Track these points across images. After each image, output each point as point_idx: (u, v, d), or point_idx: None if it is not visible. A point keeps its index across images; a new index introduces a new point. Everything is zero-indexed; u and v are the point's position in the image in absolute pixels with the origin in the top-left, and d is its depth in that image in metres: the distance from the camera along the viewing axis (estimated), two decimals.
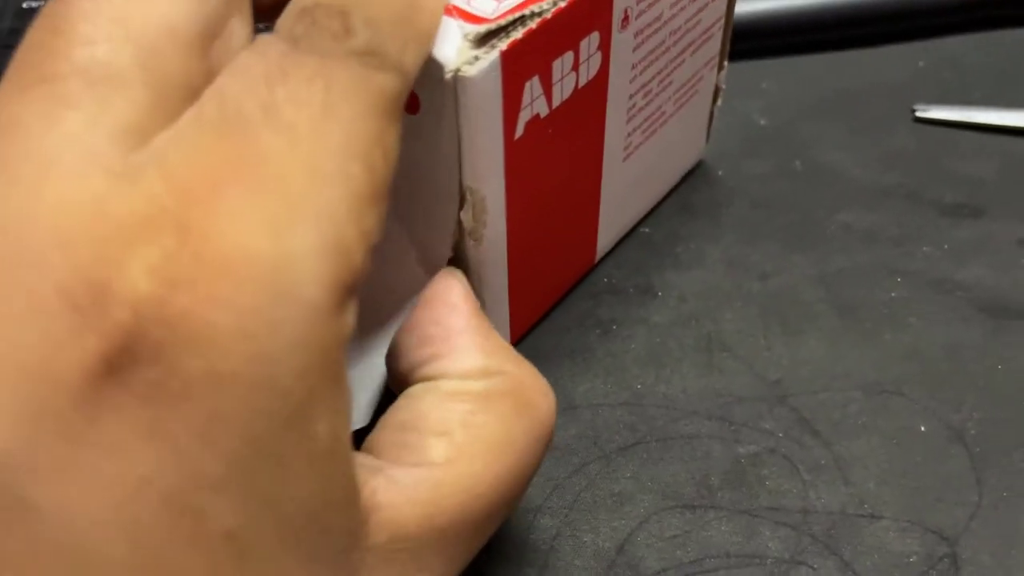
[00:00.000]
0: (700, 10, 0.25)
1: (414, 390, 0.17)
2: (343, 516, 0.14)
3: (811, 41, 0.35)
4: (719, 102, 0.29)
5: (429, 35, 0.17)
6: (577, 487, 0.22)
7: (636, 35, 0.22)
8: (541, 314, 0.26)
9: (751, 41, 0.34)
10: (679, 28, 0.24)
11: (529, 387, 0.18)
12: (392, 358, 0.18)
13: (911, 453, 0.23)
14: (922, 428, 0.23)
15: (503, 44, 0.18)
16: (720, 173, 0.30)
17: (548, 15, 0.19)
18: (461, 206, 0.20)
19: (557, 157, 0.22)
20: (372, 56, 0.15)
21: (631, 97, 0.24)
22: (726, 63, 0.28)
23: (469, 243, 0.21)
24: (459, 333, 0.18)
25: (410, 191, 0.20)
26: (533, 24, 0.19)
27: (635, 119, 0.24)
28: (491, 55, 0.18)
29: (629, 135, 0.25)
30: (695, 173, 0.30)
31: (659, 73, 0.24)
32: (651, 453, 0.23)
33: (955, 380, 0.24)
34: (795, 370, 0.24)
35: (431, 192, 0.21)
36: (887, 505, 0.22)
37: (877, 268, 0.27)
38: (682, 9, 0.24)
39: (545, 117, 0.20)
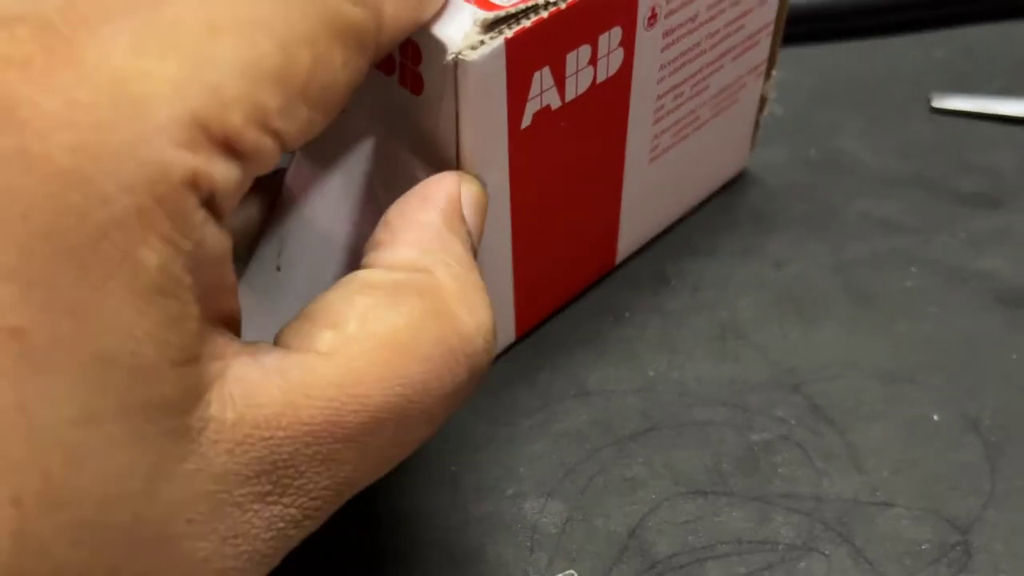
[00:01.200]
0: (743, 15, 0.24)
1: (338, 282, 0.16)
2: (172, 369, 0.13)
3: (828, 30, 0.34)
4: (766, 111, 0.28)
5: (424, 6, 0.17)
6: (589, 472, 0.22)
7: (666, 35, 0.22)
8: (553, 309, 0.25)
9: None
10: (717, 32, 0.23)
11: (452, 295, 0.16)
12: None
13: (925, 442, 0.23)
14: (936, 417, 0.23)
15: (510, 31, 0.18)
16: None
17: (562, 6, 0.19)
18: None
19: (571, 152, 0.22)
20: None
21: (659, 98, 0.23)
22: (774, 72, 0.27)
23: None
24: (410, 225, 0.17)
25: (414, 171, 0.20)
26: (544, 14, 0.18)
27: (664, 121, 0.24)
28: (496, 41, 0.18)
29: (657, 137, 0.24)
30: None
31: (693, 76, 0.24)
32: (664, 439, 0.23)
33: (970, 369, 0.24)
34: (809, 358, 0.24)
35: (431, 173, 0.21)
36: (900, 493, 0.22)
37: (893, 257, 0.27)
38: (721, 12, 0.23)
39: (557, 109, 0.20)
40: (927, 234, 0.27)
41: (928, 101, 0.32)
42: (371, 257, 0.17)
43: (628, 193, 0.24)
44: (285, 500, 0.15)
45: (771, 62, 0.27)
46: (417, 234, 0.17)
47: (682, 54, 0.23)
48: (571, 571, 0.20)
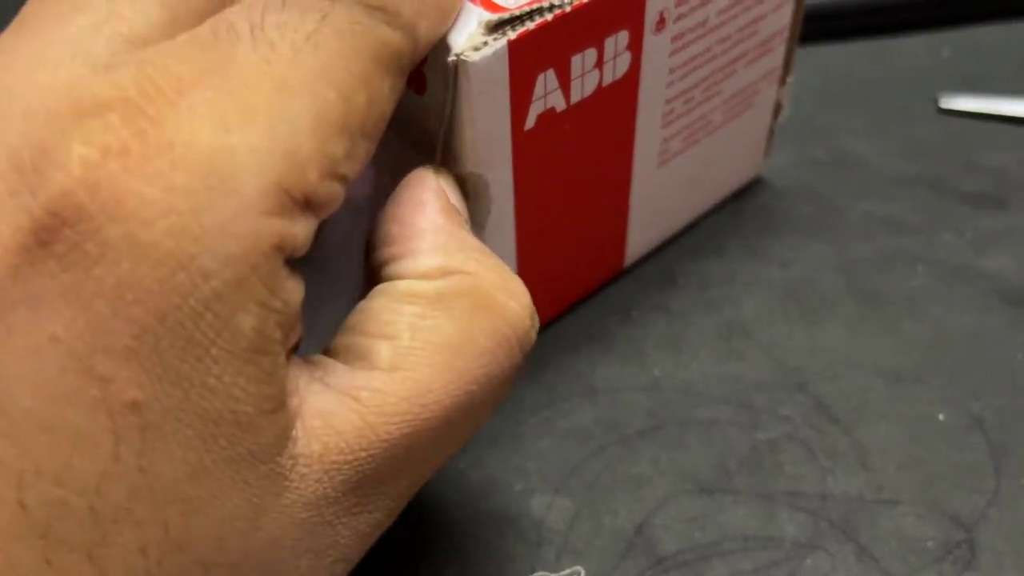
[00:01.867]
0: (756, 20, 0.24)
1: (373, 291, 0.17)
2: (266, 418, 0.14)
3: (835, 29, 0.34)
4: (781, 118, 0.28)
5: (449, 13, 0.17)
6: (596, 469, 0.22)
7: (675, 39, 0.22)
8: (559, 310, 0.25)
9: None
10: (729, 37, 0.23)
11: (492, 286, 0.17)
12: (365, 258, 0.18)
13: (930, 440, 0.23)
14: (941, 416, 0.23)
15: (513, 33, 0.18)
16: None
17: (567, 9, 0.19)
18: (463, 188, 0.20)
19: (577, 154, 0.22)
20: (383, 12, 0.15)
21: (668, 102, 0.23)
22: (790, 79, 0.27)
23: (472, 227, 0.21)
24: (421, 232, 0.17)
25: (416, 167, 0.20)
26: (548, 16, 0.19)
27: (674, 125, 0.24)
28: (498, 43, 0.18)
29: (666, 141, 0.24)
30: None
31: (704, 81, 0.24)
32: (670, 437, 0.23)
33: (975, 369, 0.24)
34: (815, 357, 0.24)
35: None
36: (905, 491, 0.22)
37: (898, 257, 0.27)
38: (733, 17, 0.23)
39: (562, 112, 0.20)
40: (932, 234, 0.27)
41: (935, 101, 0.32)
42: (391, 270, 0.17)
43: (637, 196, 0.24)
44: (369, 508, 0.16)
45: (786, 68, 0.26)
46: (432, 240, 0.17)
47: (692, 59, 0.23)
48: (578, 567, 0.21)
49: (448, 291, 0.16)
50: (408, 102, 0.19)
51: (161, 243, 0.13)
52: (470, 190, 0.20)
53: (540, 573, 0.21)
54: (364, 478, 0.15)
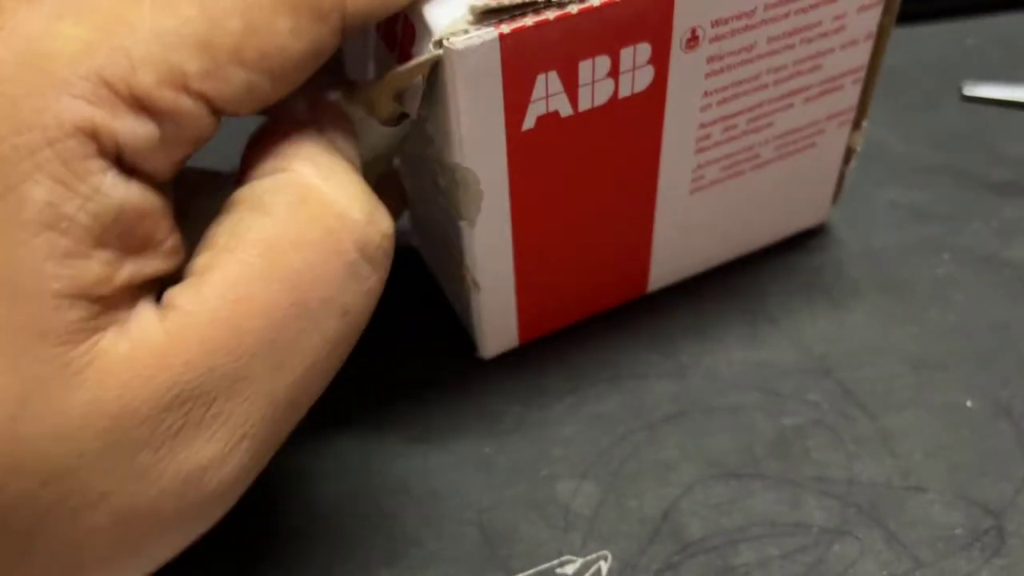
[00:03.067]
0: (820, 54, 0.22)
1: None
2: (50, 300, 0.14)
3: None
4: (852, 163, 0.26)
5: None
6: (622, 455, 0.22)
7: (711, 60, 0.20)
8: (567, 323, 0.25)
9: None
10: (784, 67, 0.22)
11: (315, 179, 0.16)
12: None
13: (957, 427, 0.23)
14: (968, 403, 0.23)
15: (507, 27, 0.18)
16: None
17: (572, 11, 0.18)
18: (440, 176, 0.20)
19: (588, 164, 0.21)
20: None
21: (703, 127, 0.22)
22: (864, 123, 0.25)
23: (462, 221, 0.21)
24: (273, 143, 0.17)
25: (422, 149, 0.20)
26: (550, 15, 0.18)
27: (710, 152, 0.22)
28: (488, 34, 0.17)
29: (700, 167, 0.23)
30: None
31: (750, 110, 0.22)
32: (696, 423, 0.23)
33: (1002, 356, 0.24)
34: (841, 344, 0.24)
35: (419, 159, 0.21)
36: (933, 478, 0.22)
37: (924, 245, 0.27)
38: (789, 47, 0.21)
39: (569, 118, 0.20)
40: (959, 222, 0.27)
41: (960, 89, 0.32)
42: (243, 177, 0.17)
43: (663, 220, 0.23)
44: (206, 435, 0.15)
45: (861, 111, 0.24)
46: (273, 147, 0.17)
47: (735, 84, 0.21)
48: (605, 551, 0.21)
49: (270, 188, 0.16)
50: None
51: None
52: (458, 181, 0.20)
53: (567, 557, 0.21)
54: (185, 394, 0.14)
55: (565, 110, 0.19)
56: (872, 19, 0.22)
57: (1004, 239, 0.27)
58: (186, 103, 0.15)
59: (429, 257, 0.26)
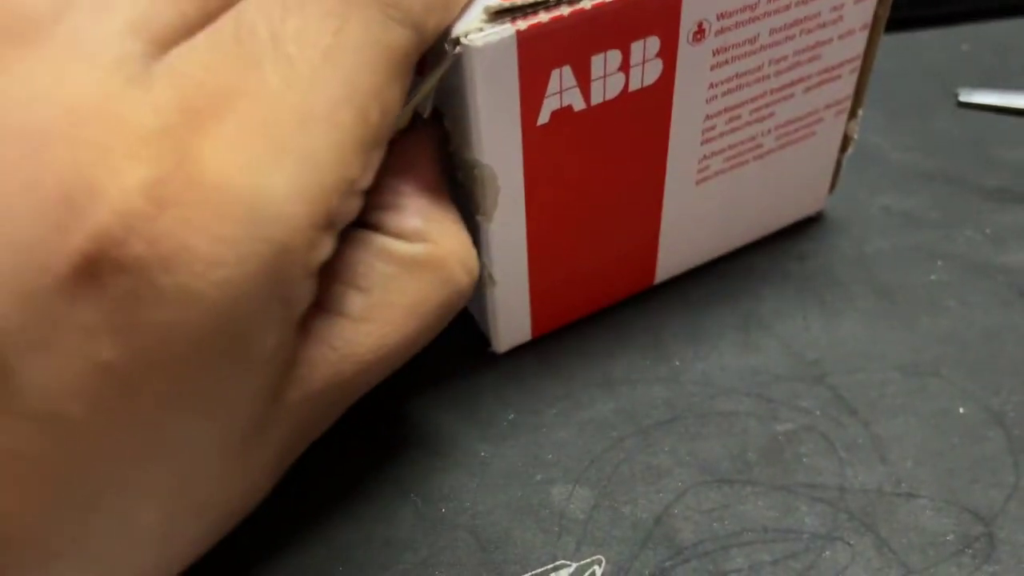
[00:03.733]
0: (820, 44, 0.23)
1: (351, 236, 0.18)
2: (267, 401, 0.16)
3: None
4: (849, 151, 0.26)
5: (455, 6, 0.17)
6: (615, 460, 0.22)
7: (716, 52, 0.21)
8: (577, 316, 0.25)
9: None
10: (785, 58, 0.22)
11: (456, 260, 0.19)
12: None
13: (949, 434, 0.23)
14: (960, 410, 0.23)
15: (524, 24, 0.18)
16: None
17: (586, 7, 0.18)
18: (458, 171, 0.20)
19: (599, 157, 0.21)
20: (395, 8, 0.16)
21: (709, 118, 0.22)
22: (860, 111, 0.26)
23: (479, 216, 0.21)
24: (410, 192, 0.19)
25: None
26: (564, 12, 0.18)
27: (715, 143, 0.23)
28: (504, 31, 0.18)
29: (706, 158, 0.23)
30: None
31: (753, 101, 0.23)
32: (689, 428, 0.23)
33: (994, 363, 0.24)
34: (833, 350, 0.25)
35: (454, 148, 0.21)
36: (924, 484, 0.22)
37: (917, 251, 0.27)
38: (790, 38, 0.22)
39: (582, 111, 0.20)
40: (952, 229, 0.27)
41: (954, 96, 0.32)
42: (379, 219, 0.18)
43: (670, 212, 0.24)
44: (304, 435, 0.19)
45: (857, 100, 0.25)
46: (417, 203, 0.19)
47: (738, 75, 0.22)
48: (598, 556, 0.21)
49: (421, 258, 0.18)
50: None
51: (208, 294, 0.14)
52: (476, 176, 0.20)
53: (560, 562, 0.21)
54: (311, 399, 0.17)
55: (578, 104, 0.20)
56: (868, 10, 0.23)
57: (997, 246, 0.27)
58: (355, 204, 0.17)
59: None
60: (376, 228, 0.18)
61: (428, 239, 0.18)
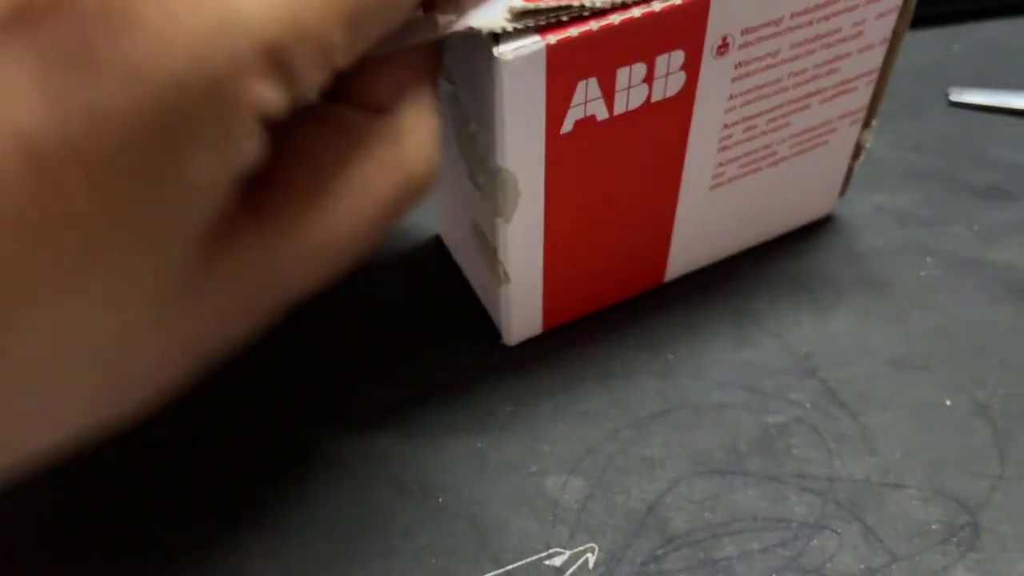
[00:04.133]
0: (839, 58, 0.23)
1: (311, 113, 0.17)
2: (198, 257, 0.15)
3: None
4: (861, 158, 0.27)
5: None
6: (609, 451, 0.23)
7: (738, 66, 0.21)
8: (586, 311, 0.26)
9: None
10: (804, 71, 0.22)
11: (416, 145, 0.17)
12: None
13: (936, 426, 0.23)
14: (947, 402, 0.24)
15: (554, 39, 0.18)
16: None
17: (615, 22, 0.19)
18: (480, 175, 0.21)
19: (618, 165, 0.22)
20: None
21: (727, 127, 0.23)
22: (874, 122, 0.26)
23: (498, 218, 0.21)
24: (388, 70, 0.17)
25: (471, 133, 0.21)
26: (593, 27, 0.18)
27: (731, 150, 0.23)
28: (535, 45, 0.18)
29: (722, 165, 0.24)
30: None
31: (770, 111, 0.23)
32: (682, 421, 0.24)
33: (981, 357, 0.25)
34: (825, 344, 0.25)
35: (457, 158, 0.22)
36: (911, 475, 0.22)
37: (908, 248, 0.27)
38: (810, 52, 0.22)
39: (604, 121, 0.20)
40: (942, 226, 0.28)
41: (946, 95, 0.32)
42: (344, 89, 0.17)
43: (683, 215, 0.24)
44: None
45: (871, 111, 0.25)
46: (391, 78, 0.17)
47: (758, 87, 0.22)
48: (592, 544, 0.21)
49: (377, 131, 0.17)
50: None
51: (146, 68, 0.13)
52: (500, 181, 0.20)
53: (555, 550, 0.21)
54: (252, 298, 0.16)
55: (601, 114, 0.20)
56: (888, 25, 0.23)
57: (987, 242, 0.27)
58: (320, 78, 0.15)
59: (457, 250, 0.27)
60: (337, 98, 0.17)
61: (391, 113, 0.17)
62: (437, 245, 0.28)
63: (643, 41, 0.19)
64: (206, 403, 0.24)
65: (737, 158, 0.24)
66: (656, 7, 0.19)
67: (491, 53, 0.18)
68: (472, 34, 0.18)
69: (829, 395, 0.24)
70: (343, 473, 0.23)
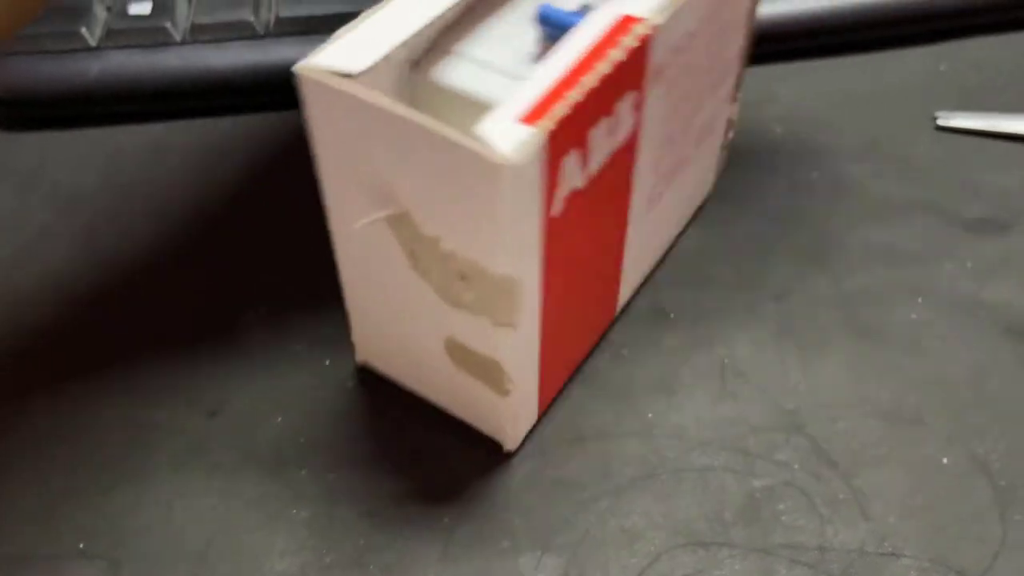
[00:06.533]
0: (723, 48, 0.23)
1: None
2: None
3: (827, 45, 0.33)
4: (732, 132, 0.27)
5: None
6: (586, 524, 0.21)
7: (668, 88, 0.21)
8: (563, 384, 0.24)
9: (766, 45, 0.33)
10: (704, 70, 0.23)
11: None
12: None
13: (933, 486, 0.22)
14: (944, 460, 0.22)
15: (549, 122, 0.16)
16: (735, 185, 0.29)
17: (594, 84, 0.17)
18: (467, 290, 0.19)
19: (591, 224, 0.20)
20: None
21: (658, 148, 0.22)
22: (740, 95, 0.26)
23: (499, 328, 0.19)
24: None
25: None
26: (577, 97, 0.17)
27: (662, 167, 0.23)
28: (535, 137, 0.16)
29: (655, 185, 0.23)
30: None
31: (685, 119, 0.23)
32: (663, 487, 0.22)
33: (979, 408, 0.23)
34: (812, 397, 0.24)
35: (402, 286, 0.20)
36: (908, 542, 0.21)
37: (897, 287, 0.26)
38: (711, 53, 0.22)
39: (581, 189, 0.19)
40: (933, 263, 0.27)
41: (933, 118, 0.31)
42: None
43: (630, 245, 0.23)
44: None
45: (738, 85, 0.26)
46: None
47: (678, 101, 0.22)
48: None
49: None
50: None
51: None
52: (504, 289, 0.18)
53: None
54: None
55: (579, 182, 0.19)
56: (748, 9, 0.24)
57: (980, 280, 0.26)
58: None
59: (407, 376, 0.24)
60: None
61: None
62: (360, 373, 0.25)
63: (610, 92, 0.18)
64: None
65: (665, 173, 0.23)
66: (619, 53, 0.18)
67: (479, 156, 0.16)
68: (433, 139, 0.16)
69: (818, 454, 0.23)
70: (301, 553, 0.21)
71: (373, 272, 0.21)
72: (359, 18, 0.18)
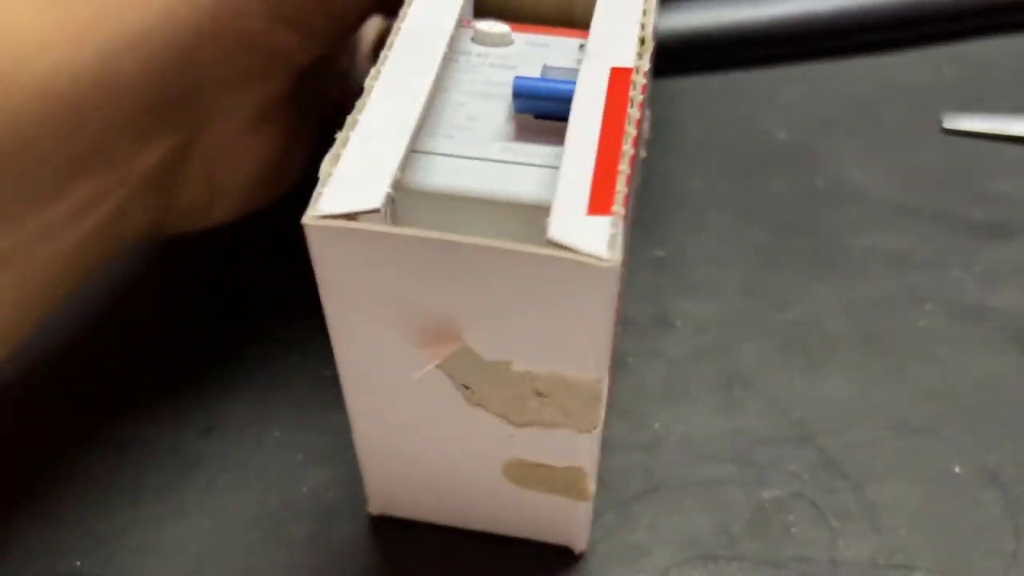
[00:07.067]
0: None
1: None
2: None
3: (831, 47, 0.33)
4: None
5: None
6: (592, 539, 0.21)
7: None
8: None
9: (768, 48, 0.33)
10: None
11: None
12: None
13: (944, 497, 0.22)
14: (956, 470, 0.22)
15: (620, 209, 0.15)
16: (737, 191, 0.29)
17: (631, 150, 0.16)
18: (553, 404, 0.17)
19: None
20: None
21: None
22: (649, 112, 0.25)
23: (584, 435, 0.18)
24: None
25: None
26: (627, 169, 0.15)
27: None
28: (614, 229, 0.15)
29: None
30: (711, 192, 0.29)
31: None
32: (670, 500, 0.22)
33: (989, 417, 0.23)
34: (820, 407, 0.23)
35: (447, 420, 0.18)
36: (919, 555, 0.21)
37: (904, 295, 0.26)
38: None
39: None
40: (940, 269, 0.26)
41: (939, 122, 0.31)
42: None
43: None
44: None
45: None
46: None
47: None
48: None
49: None
50: None
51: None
52: (595, 395, 0.17)
53: None
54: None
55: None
56: None
57: (988, 286, 0.26)
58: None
59: (441, 514, 0.21)
60: None
61: None
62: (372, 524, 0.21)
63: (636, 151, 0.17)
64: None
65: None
66: (635, 112, 0.16)
67: (577, 264, 0.14)
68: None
69: (828, 465, 0.22)
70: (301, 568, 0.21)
71: (405, 423, 0.18)
72: (335, 145, 0.16)
